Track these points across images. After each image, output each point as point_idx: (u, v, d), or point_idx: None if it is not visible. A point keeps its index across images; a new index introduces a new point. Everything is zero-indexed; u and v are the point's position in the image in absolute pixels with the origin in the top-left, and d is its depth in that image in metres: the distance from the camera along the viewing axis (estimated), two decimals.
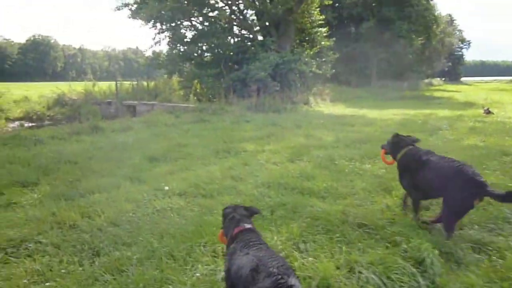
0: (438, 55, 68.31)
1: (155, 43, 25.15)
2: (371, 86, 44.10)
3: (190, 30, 25.94)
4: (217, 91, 23.82)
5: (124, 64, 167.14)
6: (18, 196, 6.13)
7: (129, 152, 9.37)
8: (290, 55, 24.26)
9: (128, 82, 25.76)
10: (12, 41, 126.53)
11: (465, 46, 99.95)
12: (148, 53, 26.26)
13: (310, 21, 29.23)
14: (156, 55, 25.64)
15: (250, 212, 3.33)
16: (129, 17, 24.20)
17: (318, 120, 16.35)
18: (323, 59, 28.47)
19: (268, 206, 5.42)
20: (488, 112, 17.88)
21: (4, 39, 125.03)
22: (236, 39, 27.68)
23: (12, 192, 6.29)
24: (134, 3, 23.97)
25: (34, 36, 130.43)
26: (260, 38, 27.24)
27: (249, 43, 27.33)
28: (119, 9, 24.62)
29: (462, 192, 4.18)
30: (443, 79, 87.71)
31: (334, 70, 30.23)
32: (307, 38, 29.51)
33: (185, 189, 6.23)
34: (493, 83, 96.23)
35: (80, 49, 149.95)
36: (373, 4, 43.14)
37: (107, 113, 19.55)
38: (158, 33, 24.70)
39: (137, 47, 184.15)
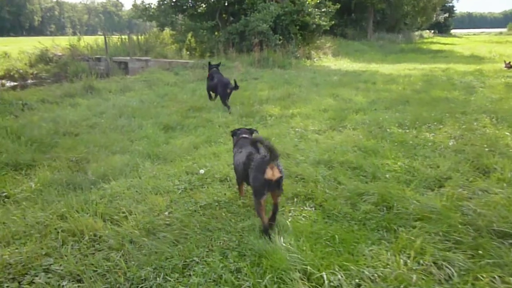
0: (434, 6, 66.09)
1: None
2: (368, 39, 42.29)
3: None
4: (214, 45, 22.08)
5: (105, 18, 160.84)
6: (10, 185, 4.71)
7: (136, 119, 7.91)
8: (291, 6, 22.40)
9: (116, 36, 23.67)
10: None
11: None
12: (135, 4, 23.88)
13: None
14: (143, 7, 23.37)
15: (250, 131, 4.50)
16: None
17: (331, 77, 14.94)
18: (323, 10, 26.52)
19: (344, 197, 4.13)
20: (510, 66, 16.65)
21: None
22: None
23: (1, 180, 4.87)
24: None
25: None
26: None
27: None
28: None
29: (222, 87, 8.94)
30: (432, 31, 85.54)
31: (333, 22, 28.29)
32: None
33: (225, 172, 4.87)
34: (481, 35, 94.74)
35: (57, 2, 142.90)
36: None
37: (96, 71, 17.73)
38: None
39: (117, 0, 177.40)
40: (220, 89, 9.04)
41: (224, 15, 24.50)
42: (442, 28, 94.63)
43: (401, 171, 4.78)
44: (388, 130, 6.82)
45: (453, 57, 26.90)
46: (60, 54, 20.47)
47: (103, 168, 5.15)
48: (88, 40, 23.58)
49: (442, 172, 4.70)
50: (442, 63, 20.75)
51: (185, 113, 8.53)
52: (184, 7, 23.10)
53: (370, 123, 7.33)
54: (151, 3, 23.00)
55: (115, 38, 23.11)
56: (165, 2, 22.45)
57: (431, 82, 12.92)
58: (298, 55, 21.51)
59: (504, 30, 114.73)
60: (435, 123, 7.18)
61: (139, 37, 23.24)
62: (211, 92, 9.74)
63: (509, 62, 17.05)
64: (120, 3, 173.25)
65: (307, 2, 23.85)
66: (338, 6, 28.19)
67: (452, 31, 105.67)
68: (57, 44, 21.62)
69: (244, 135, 4.30)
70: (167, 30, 24.17)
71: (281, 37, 21.16)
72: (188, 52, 23.48)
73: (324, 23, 24.31)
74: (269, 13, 21.00)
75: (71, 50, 20.74)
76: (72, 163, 5.44)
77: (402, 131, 6.75)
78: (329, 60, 23.56)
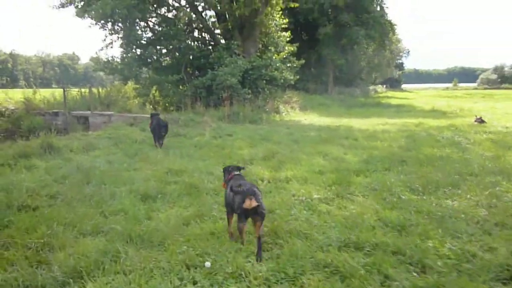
0: (388, 62, 69.12)
1: (106, 46, 22.12)
2: (329, 93, 42.93)
3: (145, 31, 23.21)
4: (179, 99, 21.26)
5: (60, 71, 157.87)
6: None
7: (107, 186, 6.71)
8: (259, 60, 22.14)
9: (76, 90, 22.38)
10: None
11: (404, 55, 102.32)
12: (99, 57, 22.90)
13: (274, 24, 27.29)
14: (105, 60, 22.22)
15: (238, 168, 5.24)
16: (75, 16, 21.02)
17: (308, 132, 14.34)
18: (288, 65, 26.50)
19: None
20: (481, 121, 16.71)
21: None
22: (196, 43, 25.24)
23: None
24: (81, 0, 20.91)
25: None
26: (222, 42, 24.93)
27: (210, 47, 24.99)
28: (63, 7, 21.52)
29: (156, 128, 11.09)
30: (385, 86, 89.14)
31: (298, 77, 28.33)
32: (270, 43, 27.52)
33: (238, 264, 3.78)
34: (429, 90, 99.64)
35: (11, 54, 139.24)
36: (329, 10, 41.77)
37: (54, 126, 16.36)
38: (110, 34, 21.70)
39: (73, 53, 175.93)
40: (157, 130, 11.15)
41: (189, 69, 23.92)
42: (393, 83, 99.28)
43: (455, 257, 3.88)
44: (402, 196, 6.00)
45: (416, 111, 27.34)
46: (13, 107, 18.89)
47: (72, 259, 3.96)
48: (44, 93, 22.12)
49: (504, 256, 3.83)
50: (410, 118, 20.78)
51: (164, 177, 7.41)
52: (149, 60, 22.34)
53: (378, 188, 6.49)
54: (114, 56, 22.11)
55: (73, 91, 21.82)
56: (129, 55, 21.61)
57: (413, 138, 12.49)
58: (267, 110, 20.97)
59: (449, 85, 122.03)
60: (450, 188, 6.44)
61: (100, 90, 22.07)
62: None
63: (480, 117, 17.13)
64: (77, 56, 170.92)
65: (274, 57, 23.75)
66: (303, 61, 28.43)
67: (403, 86, 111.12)
68: (10, 97, 20.05)
69: (236, 173, 5.06)
70: (130, 84, 23.20)
71: (249, 91, 20.68)
72: (151, 106, 22.50)
73: (291, 77, 24.21)
74: (237, 67, 20.56)
75: (25, 103, 19.21)
76: (31, 251, 4.21)
77: (418, 198, 5.96)
78: (297, 114, 23.21)
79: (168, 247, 4.30)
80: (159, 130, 11.04)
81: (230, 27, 24.60)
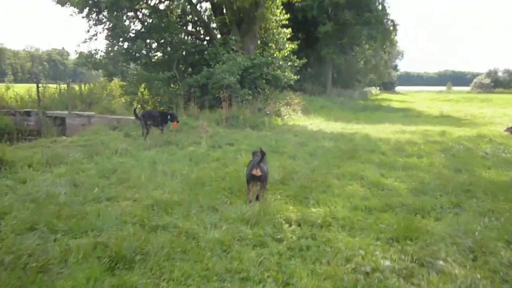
0: (385, 64, 67.21)
1: (90, 38, 19.70)
2: (328, 94, 40.81)
3: (134, 23, 20.83)
4: (170, 99, 19.01)
5: (49, 66, 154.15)
6: None
7: (59, 235, 4.43)
8: (261, 58, 19.90)
9: (54, 86, 19.94)
10: None
11: (399, 57, 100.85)
12: (82, 50, 20.45)
13: (274, 19, 25.11)
14: (80, 55, 19.57)
15: (262, 152, 6.12)
16: (56, 3, 18.63)
17: (322, 142, 12.17)
18: (289, 64, 24.26)
19: None
20: None
21: None
22: (190, 37, 22.95)
23: None
24: None
25: None
26: (218, 37, 22.68)
27: (205, 43, 22.73)
28: None
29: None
30: (379, 88, 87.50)
31: (299, 77, 26.12)
32: (270, 39, 25.35)
33: None
34: (423, 93, 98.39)
35: None
36: (329, 8, 39.55)
37: (25, 127, 14.07)
38: (95, 24, 19.32)
39: (63, 48, 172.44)
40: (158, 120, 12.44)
41: (181, 66, 21.65)
42: (387, 85, 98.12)
43: None
44: None
45: (425, 116, 25.54)
46: None
47: None
48: (19, 89, 19.71)
49: None
50: (426, 124, 18.86)
51: (147, 215, 5.14)
52: (137, 55, 19.92)
53: (470, 245, 4.33)
54: (98, 50, 19.64)
55: (51, 88, 19.38)
56: (115, 48, 19.24)
57: (451, 153, 10.45)
58: (268, 113, 18.76)
59: (443, 88, 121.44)
60: None
61: (82, 86, 19.67)
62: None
63: None
64: (66, 51, 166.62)
65: (275, 55, 21.59)
66: (305, 60, 26.27)
67: (396, 88, 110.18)
68: None
69: (258, 152, 6.33)
70: (116, 81, 20.83)
71: (249, 92, 18.46)
72: (139, 106, 20.17)
73: (295, 77, 22.10)
74: (236, 64, 18.32)
75: None
76: None
77: None
78: (301, 118, 21.00)
79: None
80: (142, 118, 12.10)
81: (227, 21, 22.42)
